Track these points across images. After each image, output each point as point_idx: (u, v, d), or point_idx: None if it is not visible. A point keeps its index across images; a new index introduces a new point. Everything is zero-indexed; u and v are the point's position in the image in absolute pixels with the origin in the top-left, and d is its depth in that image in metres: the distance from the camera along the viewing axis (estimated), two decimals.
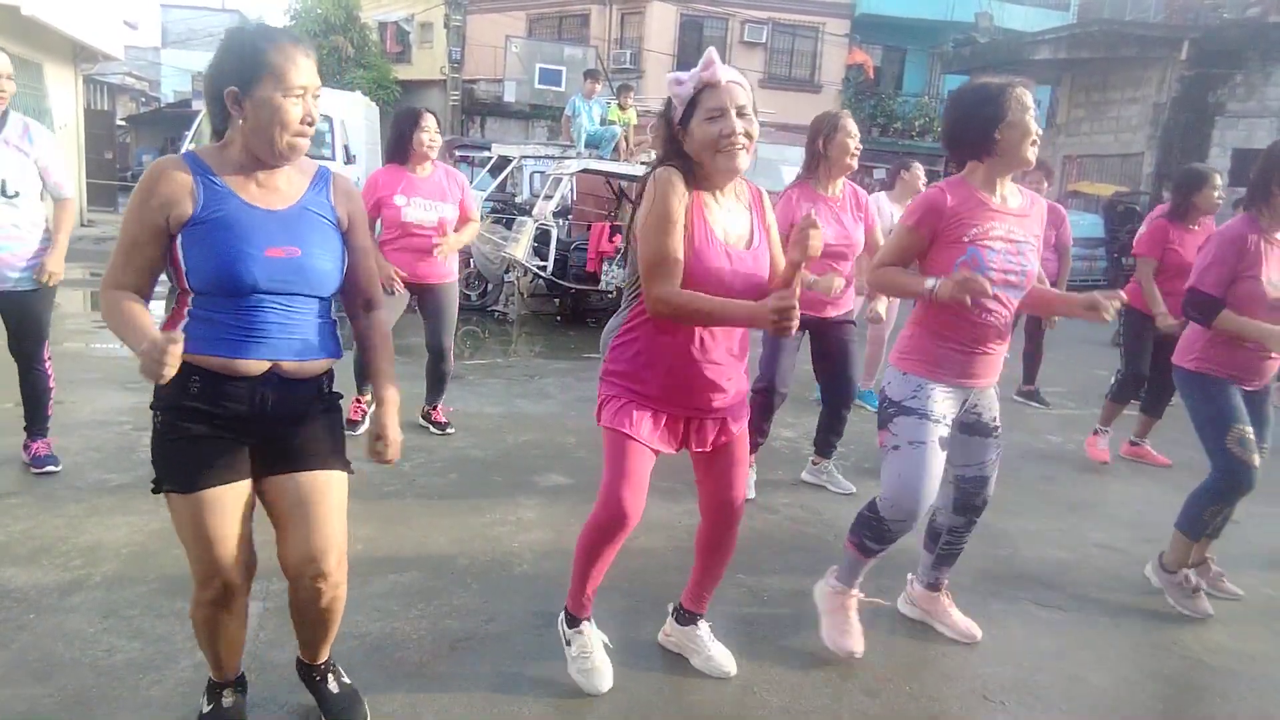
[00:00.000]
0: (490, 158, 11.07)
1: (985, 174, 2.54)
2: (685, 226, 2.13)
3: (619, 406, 2.29)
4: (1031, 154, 2.48)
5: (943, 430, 2.57)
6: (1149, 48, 16.11)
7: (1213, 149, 15.35)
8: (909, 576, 3.04)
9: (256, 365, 1.87)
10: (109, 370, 5.65)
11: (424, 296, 4.61)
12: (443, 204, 4.47)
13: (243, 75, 1.78)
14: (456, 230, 4.57)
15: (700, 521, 2.54)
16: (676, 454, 2.40)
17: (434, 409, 4.86)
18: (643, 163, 9.52)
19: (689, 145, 2.16)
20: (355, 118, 11.17)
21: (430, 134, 4.40)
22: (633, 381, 2.28)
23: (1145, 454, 5.19)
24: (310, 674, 2.26)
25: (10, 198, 3.49)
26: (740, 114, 2.12)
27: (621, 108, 10.31)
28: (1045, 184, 5.91)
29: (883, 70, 24.01)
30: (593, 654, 2.46)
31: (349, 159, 9.87)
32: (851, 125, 3.88)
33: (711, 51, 2.18)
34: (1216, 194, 4.74)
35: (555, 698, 2.41)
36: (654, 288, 2.12)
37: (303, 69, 1.81)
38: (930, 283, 2.45)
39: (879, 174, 22.32)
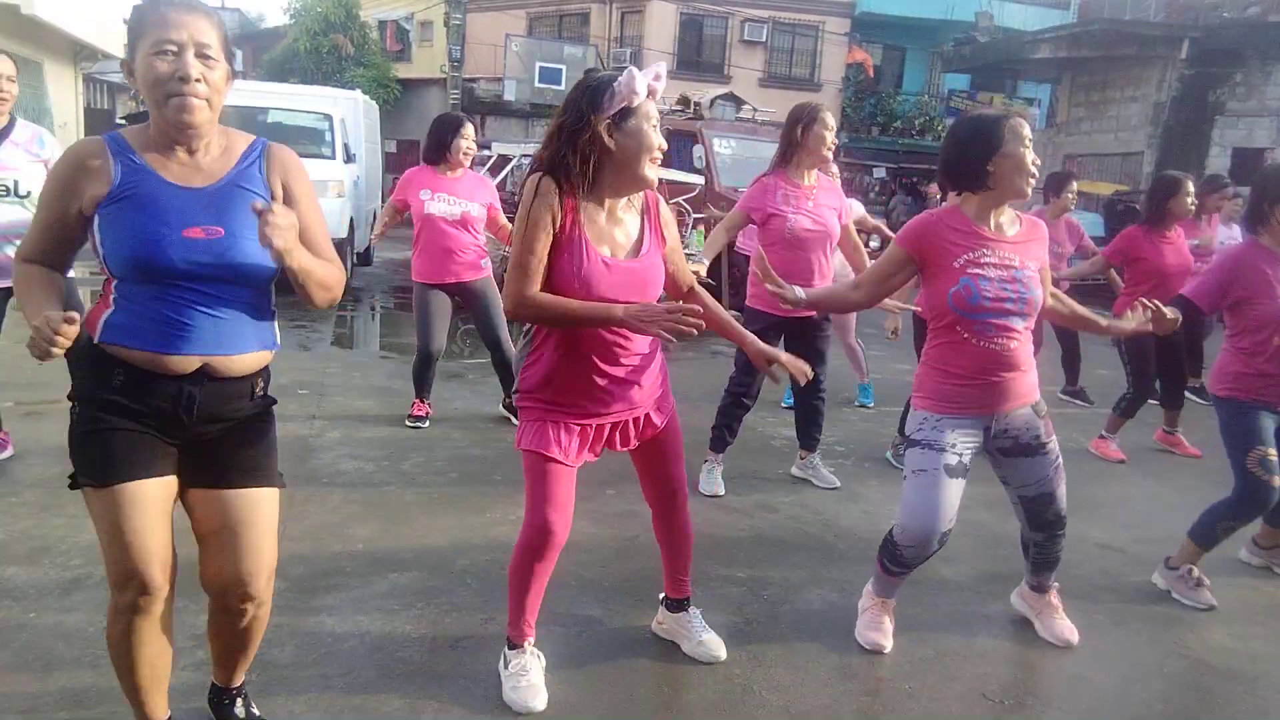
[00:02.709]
0: (490, 156, 11.06)
1: (979, 205, 2.54)
2: (563, 237, 2.12)
3: (537, 428, 2.27)
4: (1027, 186, 2.47)
5: (951, 458, 2.56)
6: (1149, 47, 16.12)
7: (1213, 148, 15.36)
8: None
9: (186, 362, 1.76)
10: None
11: (465, 296, 4.78)
12: (468, 202, 4.65)
13: (129, 43, 1.72)
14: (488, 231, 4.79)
15: (651, 513, 2.60)
16: (596, 459, 2.39)
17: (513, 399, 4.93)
18: None
19: (618, 142, 2.11)
20: (355, 116, 11.14)
21: (469, 141, 4.65)
22: (546, 400, 2.26)
23: (1178, 443, 5.22)
24: (220, 698, 2.12)
25: (22, 197, 3.53)
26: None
27: None
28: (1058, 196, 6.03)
29: (882, 69, 24.00)
30: (529, 673, 2.38)
31: (349, 158, 9.85)
32: (829, 118, 3.89)
33: (662, 65, 2.22)
34: (1189, 200, 4.90)
35: (555, 696, 2.40)
36: (514, 286, 2.13)
37: (173, 23, 1.67)
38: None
39: (879, 173, 22.37)
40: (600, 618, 2.85)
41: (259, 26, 32.89)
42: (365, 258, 11.50)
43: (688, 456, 2.57)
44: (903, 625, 2.93)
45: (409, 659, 2.54)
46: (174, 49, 1.68)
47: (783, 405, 5.55)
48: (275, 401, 1.99)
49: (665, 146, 2.19)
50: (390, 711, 2.30)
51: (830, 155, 3.92)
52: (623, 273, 2.18)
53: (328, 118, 9.92)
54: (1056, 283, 5.69)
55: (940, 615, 3.03)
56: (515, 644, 2.43)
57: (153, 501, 1.79)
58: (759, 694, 2.50)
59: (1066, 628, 2.87)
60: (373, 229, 11.77)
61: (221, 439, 1.87)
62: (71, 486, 1.82)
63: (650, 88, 2.14)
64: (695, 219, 8.96)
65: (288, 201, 1.85)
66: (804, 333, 4.01)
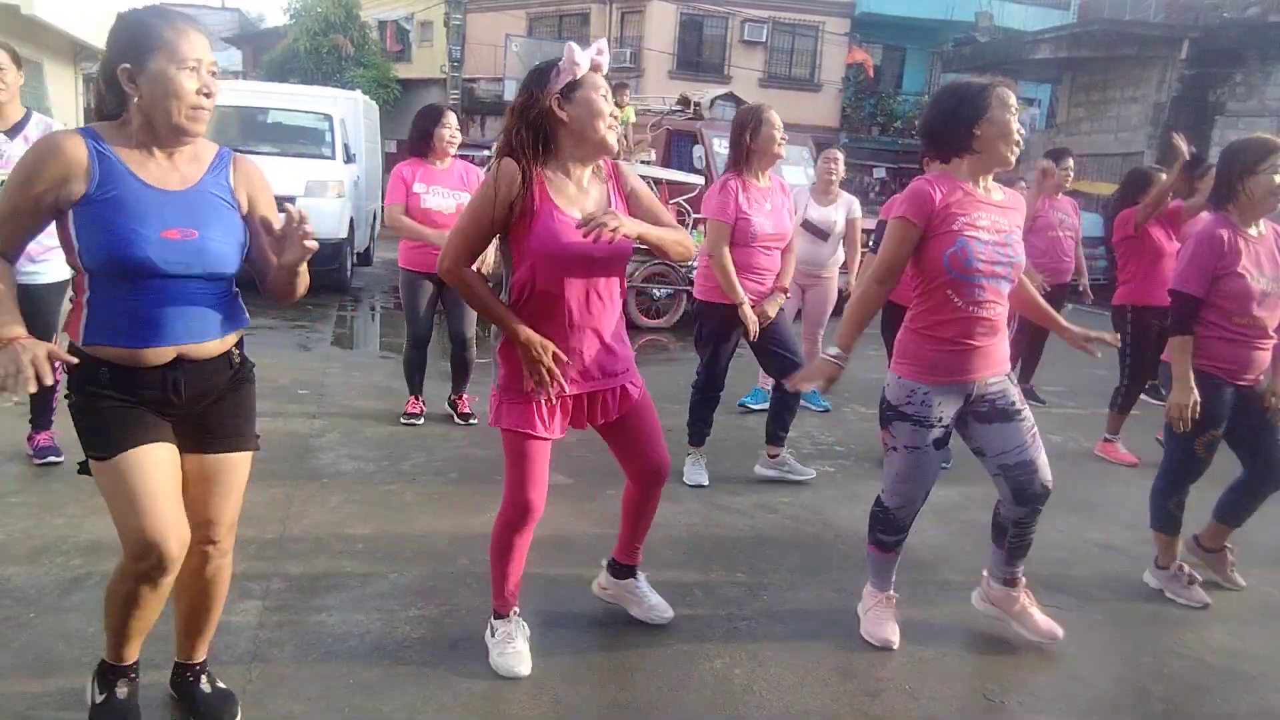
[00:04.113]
0: (490, 157, 11.07)
1: (968, 169, 2.57)
2: (531, 208, 2.24)
3: (517, 405, 2.37)
4: (1011, 154, 2.50)
5: (938, 431, 2.62)
6: (1149, 47, 16.12)
7: (1213, 148, 15.33)
8: (983, 572, 2.99)
9: (161, 354, 1.87)
10: None
11: (444, 287, 4.77)
12: (461, 192, 4.70)
13: (135, 51, 1.78)
14: None
15: (628, 486, 2.67)
16: (585, 430, 2.51)
17: (459, 398, 5.02)
18: (642, 160, 9.51)
19: (569, 113, 2.25)
20: (355, 116, 11.13)
21: (451, 130, 4.70)
22: (523, 375, 2.35)
23: (1112, 450, 5.15)
24: (184, 675, 2.21)
25: None
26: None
27: (619, 106, 10.31)
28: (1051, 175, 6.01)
29: (882, 69, 24.00)
30: (515, 641, 2.52)
31: (349, 158, 9.84)
32: (775, 118, 3.96)
33: (604, 41, 2.36)
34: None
35: (554, 697, 2.41)
36: (452, 252, 2.33)
37: (195, 42, 1.80)
38: (833, 351, 2.58)
39: (879, 173, 22.36)
40: (600, 617, 2.85)
41: (259, 26, 32.87)
42: (365, 258, 11.50)
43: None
44: (903, 625, 2.93)
45: (409, 659, 2.54)
46: (194, 65, 1.80)
47: (738, 406, 5.50)
48: (253, 364, 2.10)
49: (617, 113, 2.34)
50: (390, 711, 2.30)
51: (782, 153, 4.00)
52: None
53: (328, 118, 9.92)
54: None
55: (940, 615, 3.03)
56: (500, 614, 2.56)
57: (159, 465, 1.89)
58: (759, 694, 2.50)
59: (1048, 622, 2.85)
60: (373, 230, 11.88)
61: (209, 410, 1.99)
62: (81, 471, 1.93)
63: (594, 61, 2.28)
64: (695, 219, 8.95)
65: (251, 210, 1.99)
66: (767, 329, 4.06)
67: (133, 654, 2.11)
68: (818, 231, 5.43)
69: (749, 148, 3.92)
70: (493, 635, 2.56)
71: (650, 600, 2.80)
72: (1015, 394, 2.69)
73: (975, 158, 2.53)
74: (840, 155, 5.64)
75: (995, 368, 2.65)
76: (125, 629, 2.03)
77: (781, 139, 3.94)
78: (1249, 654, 2.92)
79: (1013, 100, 2.51)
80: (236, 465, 2.05)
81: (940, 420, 2.61)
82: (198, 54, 1.80)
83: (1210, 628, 3.08)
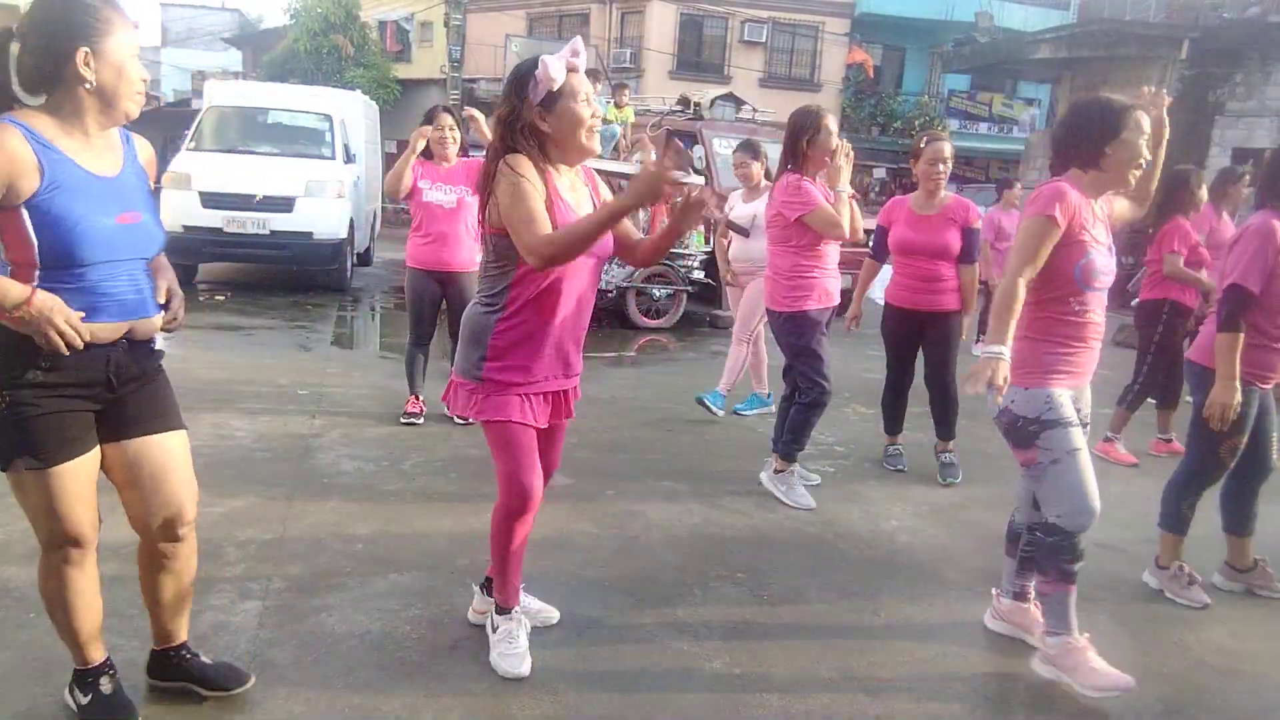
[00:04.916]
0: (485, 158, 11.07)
1: (1089, 183, 2.58)
2: (549, 200, 2.25)
3: (502, 397, 2.37)
4: (1132, 179, 2.53)
5: (1083, 431, 2.61)
6: (1149, 47, 16.12)
7: (1213, 148, 15.36)
8: (994, 591, 2.98)
9: (116, 329, 1.90)
10: None
11: (448, 286, 4.83)
12: (463, 187, 4.76)
13: (90, 35, 1.79)
14: None
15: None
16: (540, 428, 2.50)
17: None
18: (638, 161, 9.50)
19: (551, 124, 2.25)
20: (355, 117, 11.14)
21: (441, 132, 4.71)
22: (520, 366, 2.36)
23: (1176, 448, 4.99)
24: (180, 654, 2.23)
25: None
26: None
27: (618, 106, 10.30)
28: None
29: (882, 69, 24.01)
30: (517, 640, 2.51)
31: (349, 158, 9.84)
32: (833, 124, 3.94)
33: (578, 40, 2.32)
34: (1202, 192, 4.92)
35: (554, 698, 2.41)
36: (535, 240, 2.15)
37: (134, 30, 1.87)
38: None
39: (879, 173, 22.37)
40: (600, 618, 2.85)
41: (259, 27, 32.86)
42: (365, 258, 11.50)
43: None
44: (903, 625, 2.93)
45: (409, 659, 2.54)
46: (137, 52, 1.87)
47: (735, 411, 5.44)
48: (163, 353, 2.12)
49: (600, 114, 2.34)
50: (390, 711, 2.30)
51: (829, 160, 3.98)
52: None
53: (328, 118, 9.93)
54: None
55: (940, 615, 3.03)
56: (503, 609, 2.55)
57: (86, 475, 1.96)
58: (759, 694, 2.50)
59: None
60: (373, 230, 11.89)
61: (132, 397, 2.01)
62: (3, 469, 1.91)
63: (570, 65, 2.25)
64: None
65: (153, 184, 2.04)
66: (828, 322, 4.13)
67: (99, 653, 2.12)
68: (739, 229, 5.46)
69: (804, 153, 3.88)
70: (494, 631, 2.55)
71: (533, 607, 2.76)
72: (1089, 402, 2.74)
73: (1098, 175, 2.55)
74: (748, 157, 5.46)
75: (1093, 370, 2.70)
76: (77, 624, 2.06)
77: (835, 144, 3.91)
78: (1249, 654, 2.92)
79: (1147, 125, 2.53)
80: (180, 446, 2.09)
81: (1077, 420, 2.60)
82: (139, 41, 1.87)
83: (1211, 628, 3.08)
